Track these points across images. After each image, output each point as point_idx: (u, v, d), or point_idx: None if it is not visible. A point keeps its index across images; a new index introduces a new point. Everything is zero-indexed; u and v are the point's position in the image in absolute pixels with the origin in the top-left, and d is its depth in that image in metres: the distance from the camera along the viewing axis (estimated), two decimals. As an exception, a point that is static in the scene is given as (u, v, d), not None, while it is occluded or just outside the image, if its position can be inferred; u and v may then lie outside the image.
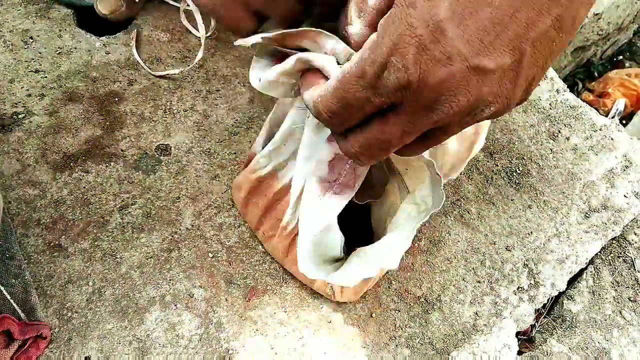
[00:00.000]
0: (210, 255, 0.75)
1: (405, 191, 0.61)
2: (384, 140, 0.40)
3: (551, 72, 0.98)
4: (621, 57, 2.03)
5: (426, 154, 0.51)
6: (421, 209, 0.56)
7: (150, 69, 0.89)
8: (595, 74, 1.93)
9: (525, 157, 0.86)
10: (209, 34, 0.91)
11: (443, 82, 0.35)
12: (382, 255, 0.56)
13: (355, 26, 0.42)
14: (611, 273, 0.84)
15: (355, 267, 0.57)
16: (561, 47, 0.37)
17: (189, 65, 0.89)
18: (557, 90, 0.95)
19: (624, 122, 1.73)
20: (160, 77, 0.89)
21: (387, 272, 0.75)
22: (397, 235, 0.56)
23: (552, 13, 0.34)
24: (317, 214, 0.53)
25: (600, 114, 0.93)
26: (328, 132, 0.54)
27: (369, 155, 0.42)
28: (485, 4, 0.34)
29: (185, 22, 0.92)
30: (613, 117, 1.73)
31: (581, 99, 1.25)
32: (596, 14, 1.64)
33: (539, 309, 0.79)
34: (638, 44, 2.04)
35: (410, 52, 0.35)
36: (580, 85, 1.90)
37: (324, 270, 0.59)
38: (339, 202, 0.53)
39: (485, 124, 0.59)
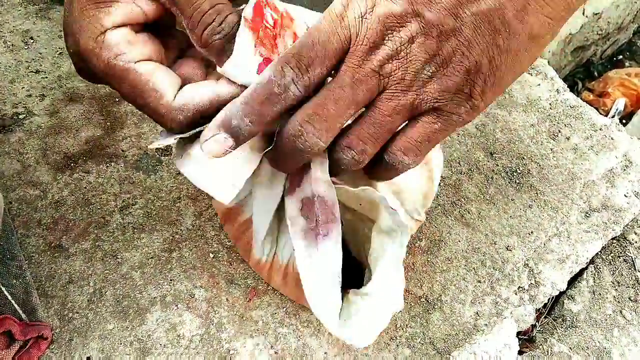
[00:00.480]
0: (211, 255, 0.75)
1: (368, 221, 0.59)
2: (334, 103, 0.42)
3: (551, 72, 0.98)
4: (621, 56, 2.03)
5: (382, 188, 0.51)
6: (393, 235, 0.54)
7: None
8: (595, 73, 1.93)
9: (525, 157, 0.87)
10: None
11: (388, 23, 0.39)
12: (388, 298, 0.53)
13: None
14: (611, 273, 0.84)
15: (368, 315, 0.52)
16: (520, 45, 0.40)
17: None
18: (557, 90, 0.95)
19: (623, 121, 1.73)
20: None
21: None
22: (389, 273, 0.53)
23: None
24: (322, 264, 0.48)
25: (600, 114, 0.93)
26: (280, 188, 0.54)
27: (320, 125, 0.42)
28: None
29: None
30: (613, 117, 1.73)
31: (581, 98, 1.25)
32: (596, 14, 1.65)
33: (539, 309, 0.79)
34: (638, 44, 2.04)
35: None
36: (580, 85, 1.90)
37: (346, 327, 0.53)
38: (335, 240, 0.49)
39: (435, 152, 0.60)
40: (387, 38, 0.39)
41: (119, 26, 0.42)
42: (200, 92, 0.44)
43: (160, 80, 0.43)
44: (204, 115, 0.44)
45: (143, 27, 0.45)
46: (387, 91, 0.41)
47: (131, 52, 0.43)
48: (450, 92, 0.40)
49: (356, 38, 0.40)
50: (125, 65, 0.42)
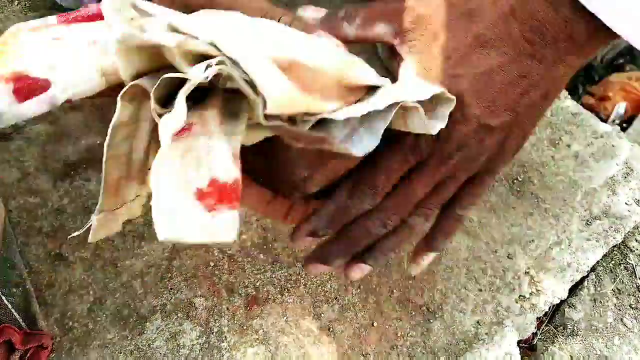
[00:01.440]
0: (212, 264, 0.75)
1: None
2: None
3: (552, 79, 0.98)
4: (622, 60, 2.03)
5: None
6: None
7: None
8: (596, 77, 1.93)
9: (526, 165, 0.86)
10: None
11: (462, 137, 0.46)
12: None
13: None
14: (612, 280, 0.84)
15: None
16: (543, 112, 0.49)
17: None
18: (558, 97, 0.95)
19: (624, 125, 1.72)
20: None
21: (388, 280, 0.75)
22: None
23: (542, 88, 0.46)
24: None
25: (601, 118, 0.93)
26: None
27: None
28: (494, 83, 0.45)
29: None
30: (614, 121, 1.73)
31: (582, 102, 1.25)
32: (597, 18, 1.64)
33: (540, 317, 0.79)
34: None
35: None
36: (581, 89, 1.90)
37: None
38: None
39: None
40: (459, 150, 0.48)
41: None
42: None
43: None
44: None
45: None
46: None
47: None
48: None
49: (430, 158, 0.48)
50: None
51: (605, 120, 0.91)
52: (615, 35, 0.42)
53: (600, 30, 0.43)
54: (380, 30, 0.50)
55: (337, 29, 0.51)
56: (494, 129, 0.47)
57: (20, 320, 0.65)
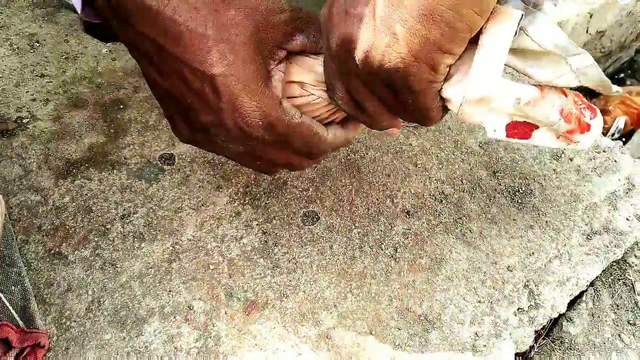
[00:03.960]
0: (211, 267, 0.74)
1: None
2: None
3: (556, 92, 0.98)
4: (623, 74, 2.03)
5: None
6: None
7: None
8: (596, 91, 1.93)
9: (528, 177, 0.86)
10: None
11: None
12: None
13: None
14: (611, 296, 0.84)
15: None
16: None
17: None
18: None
19: (623, 139, 1.73)
20: None
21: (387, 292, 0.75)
22: None
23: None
24: None
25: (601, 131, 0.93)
26: None
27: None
28: None
29: None
30: (613, 135, 1.73)
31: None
32: (599, 32, 1.65)
33: (537, 330, 0.78)
34: (639, 62, 2.05)
35: None
36: (581, 102, 1.90)
37: None
38: None
39: None
40: None
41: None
42: (342, 135, 0.62)
43: (318, 126, 0.59)
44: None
45: None
46: None
47: (295, 111, 0.57)
48: None
49: None
50: (299, 121, 0.57)
51: (604, 134, 0.91)
52: None
53: None
54: None
55: None
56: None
57: (18, 318, 0.65)
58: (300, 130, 0.57)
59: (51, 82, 0.86)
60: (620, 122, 1.76)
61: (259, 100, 0.54)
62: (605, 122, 1.78)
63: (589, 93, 1.92)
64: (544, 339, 0.81)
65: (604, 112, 1.82)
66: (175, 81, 0.54)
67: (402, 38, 0.46)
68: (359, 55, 0.50)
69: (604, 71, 1.88)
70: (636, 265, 0.86)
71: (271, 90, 0.56)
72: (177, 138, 0.63)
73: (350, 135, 0.64)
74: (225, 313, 0.71)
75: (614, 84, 1.76)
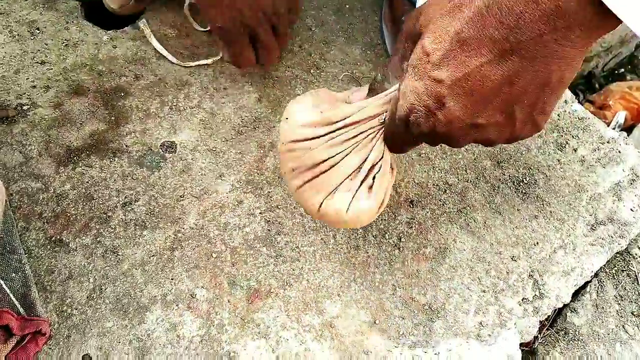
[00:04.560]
0: (214, 255, 0.74)
1: None
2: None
3: (560, 83, 0.97)
4: (623, 69, 2.03)
5: None
6: None
7: (161, 63, 0.88)
8: (597, 85, 1.93)
9: (532, 167, 0.86)
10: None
11: (447, 133, 0.50)
12: None
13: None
14: (615, 287, 0.83)
15: None
16: (559, 95, 0.48)
17: (218, 56, 0.89)
18: (565, 101, 0.94)
19: (624, 134, 1.73)
20: (192, 67, 0.88)
21: (392, 283, 0.74)
22: None
23: (540, 79, 0.45)
24: None
25: (601, 121, 0.93)
26: None
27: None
28: (475, 87, 0.46)
29: (188, 16, 0.92)
30: (613, 129, 1.73)
31: (582, 110, 1.24)
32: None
33: (542, 321, 0.78)
34: (639, 57, 2.04)
35: (421, 116, 0.50)
36: (581, 97, 1.90)
37: None
38: None
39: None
40: None
41: None
42: None
43: None
44: None
45: None
46: None
47: None
48: None
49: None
50: None
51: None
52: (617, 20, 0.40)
53: (598, 16, 0.40)
54: None
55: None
56: (485, 126, 0.49)
57: (19, 306, 0.64)
58: None
59: (51, 69, 0.85)
60: (620, 117, 1.76)
61: None
62: (605, 117, 1.78)
63: (588, 89, 1.91)
64: (548, 329, 0.80)
65: (604, 107, 1.81)
66: None
67: None
68: None
69: (604, 66, 1.86)
70: (640, 256, 0.86)
71: None
72: (212, 29, 0.77)
73: None
74: (228, 301, 0.71)
75: (614, 79, 1.74)
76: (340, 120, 0.58)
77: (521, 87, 0.45)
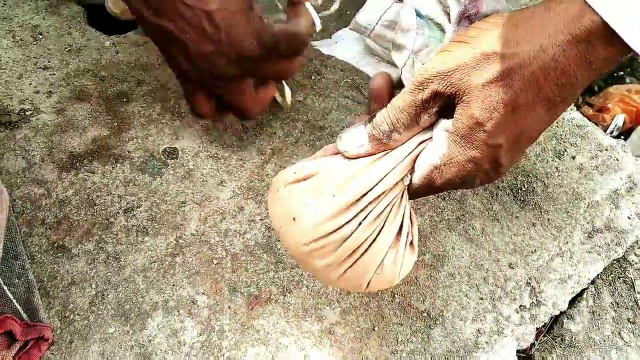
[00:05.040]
0: (215, 262, 0.74)
1: None
2: None
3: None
4: (622, 72, 2.03)
5: None
6: None
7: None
8: (596, 88, 1.94)
9: (530, 175, 0.87)
10: None
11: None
12: None
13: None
14: (611, 294, 0.84)
15: None
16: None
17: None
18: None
19: (622, 137, 1.73)
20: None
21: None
22: None
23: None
24: None
25: (599, 129, 0.94)
26: None
27: None
28: (524, 136, 0.50)
29: None
30: (612, 132, 1.73)
31: (581, 112, 1.25)
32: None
33: (539, 327, 0.79)
34: (639, 60, 2.05)
35: (478, 179, 0.53)
36: (580, 100, 1.90)
37: None
38: None
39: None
40: None
41: None
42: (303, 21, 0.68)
43: (289, 25, 0.66)
44: None
45: None
46: None
47: (272, 23, 0.64)
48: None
49: None
50: (278, 28, 0.64)
51: (603, 132, 0.92)
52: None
53: (619, 52, 0.44)
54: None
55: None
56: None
57: (22, 311, 0.65)
58: (284, 33, 0.64)
59: (54, 74, 0.86)
60: (619, 119, 1.76)
61: (250, 25, 0.61)
62: (604, 119, 1.79)
63: (588, 91, 1.92)
64: (544, 336, 0.81)
65: (603, 109, 1.82)
66: (173, 19, 0.59)
67: None
68: None
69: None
70: (637, 263, 0.87)
71: (256, 13, 0.62)
72: (173, 72, 0.70)
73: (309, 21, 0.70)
74: (229, 308, 0.72)
75: (614, 81, 1.75)
76: (362, 198, 0.53)
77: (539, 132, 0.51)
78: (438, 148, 0.52)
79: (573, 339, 0.80)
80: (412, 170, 0.55)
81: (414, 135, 0.54)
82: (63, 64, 0.87)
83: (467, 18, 0.54)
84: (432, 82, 0.49)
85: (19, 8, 0.92)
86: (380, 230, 0.54)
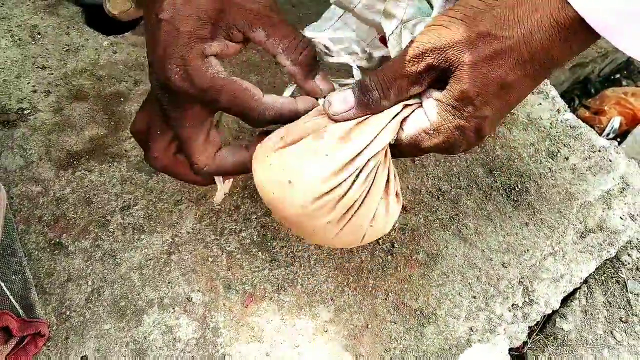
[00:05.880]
0: (210, 259, 0.75)
1: None
2: None
3: (552, 92, 0.99)
4: (618, 75, 2.04)
5: None
6: None
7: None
8: (592, 90, 1.95)
9: (524, 175, 0.87)
10: None
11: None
12: None
13: None
14: (604, 293, 0.85)
15: None
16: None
17: None
18: (558, 110, 0.96)
19: (618, 139, 1.74)
20: None
21: (385, 287, 0.76)
22: None
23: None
24: None
25: (596, 131, 0.94)
26: None
27: None
28: (508, 106, 0.54)
29: None
30: (608, 135, 1.74)
31: (577, 115, 1.26)
32: (597, 33, 1.66)
33: (531, 326, 0.80)
34: (635, 63, 2.06)
35: (461, 145, 0.56)
36: (577, 102, 1.91)
37: None
38: None
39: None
40: None
41: (214, 55, 0.55)
42: (282, 101, 0.57)
43: (252, 86, 0.55)
44: (278, 120, 0.57)
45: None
46: None
47: (225, 71, 0.55)
48: None
49: None
50: (227, 78, 0.54)
51: (599, 134, 0.93)
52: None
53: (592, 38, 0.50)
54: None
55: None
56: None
57: (18, 308, 0.66)
58: (228, 86, 0.54)
59: (52, 74, 0.87)
60: (615, 122, 1.77)
61: (185, 52, 0.52)
62: (600, 122, 1.80)
63: (584, 94, 1.93)
64: (537, 334, 0.82)
65: (600, 112, 1.83)
66: (146, 19, 0.55)
67: None
68: None
69: (600, 71, 1.88)
70: (629, 263, 0.87)
71: (203, 49, 0.53)
72: None
73: (300, 107, 0.58)
74: (224, 305, 0.72)
75: (610, 84, 1.76)
76: (357, 156, 0.54)
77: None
78: (429, 114, 0.54)
79: (565, 338, 0.81)
80: (398, 130, 0.57)
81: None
82: (61, 63, 0.88)
83: None
84: (428, 56, 0.51)
85: (17, 8, 0.92)
86: (372, 184, 0.57)
